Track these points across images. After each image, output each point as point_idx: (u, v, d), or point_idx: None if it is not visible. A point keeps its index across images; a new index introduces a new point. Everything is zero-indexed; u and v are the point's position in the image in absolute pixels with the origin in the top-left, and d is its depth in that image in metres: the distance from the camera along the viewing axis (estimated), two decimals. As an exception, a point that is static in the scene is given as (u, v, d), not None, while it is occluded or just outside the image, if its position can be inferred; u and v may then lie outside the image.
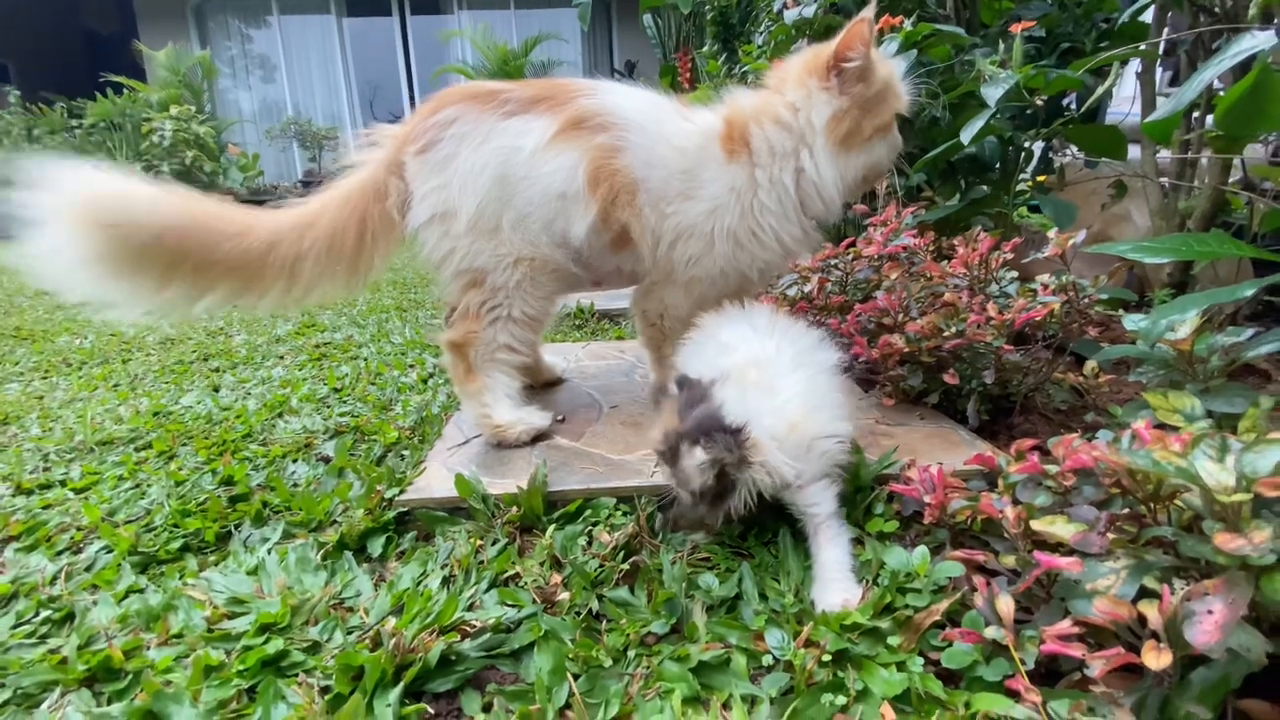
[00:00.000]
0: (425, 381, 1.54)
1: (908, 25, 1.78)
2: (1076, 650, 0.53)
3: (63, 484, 1.08)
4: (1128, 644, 0.53)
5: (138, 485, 1.07)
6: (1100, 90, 1.61)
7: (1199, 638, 0.47)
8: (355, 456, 1.12)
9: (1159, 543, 0.58)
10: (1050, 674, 0.60)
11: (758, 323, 0.94)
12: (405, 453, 1.11)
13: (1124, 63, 1.75)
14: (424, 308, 2.45)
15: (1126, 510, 0.61)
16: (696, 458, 0.75)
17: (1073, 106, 1.99)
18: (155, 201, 0.93)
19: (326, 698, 0.60)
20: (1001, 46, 1.74)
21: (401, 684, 0.60)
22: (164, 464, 1.15)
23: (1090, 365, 1.17)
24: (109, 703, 0.63)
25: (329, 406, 1.41)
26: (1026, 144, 1.66)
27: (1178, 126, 0.74)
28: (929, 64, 1.80)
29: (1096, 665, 0.51)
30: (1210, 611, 0.47)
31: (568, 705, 0.61)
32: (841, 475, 0.85)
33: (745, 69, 3.71)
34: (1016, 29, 1.53)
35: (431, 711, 0.60)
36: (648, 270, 1.11)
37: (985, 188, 1.83)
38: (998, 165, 1.84)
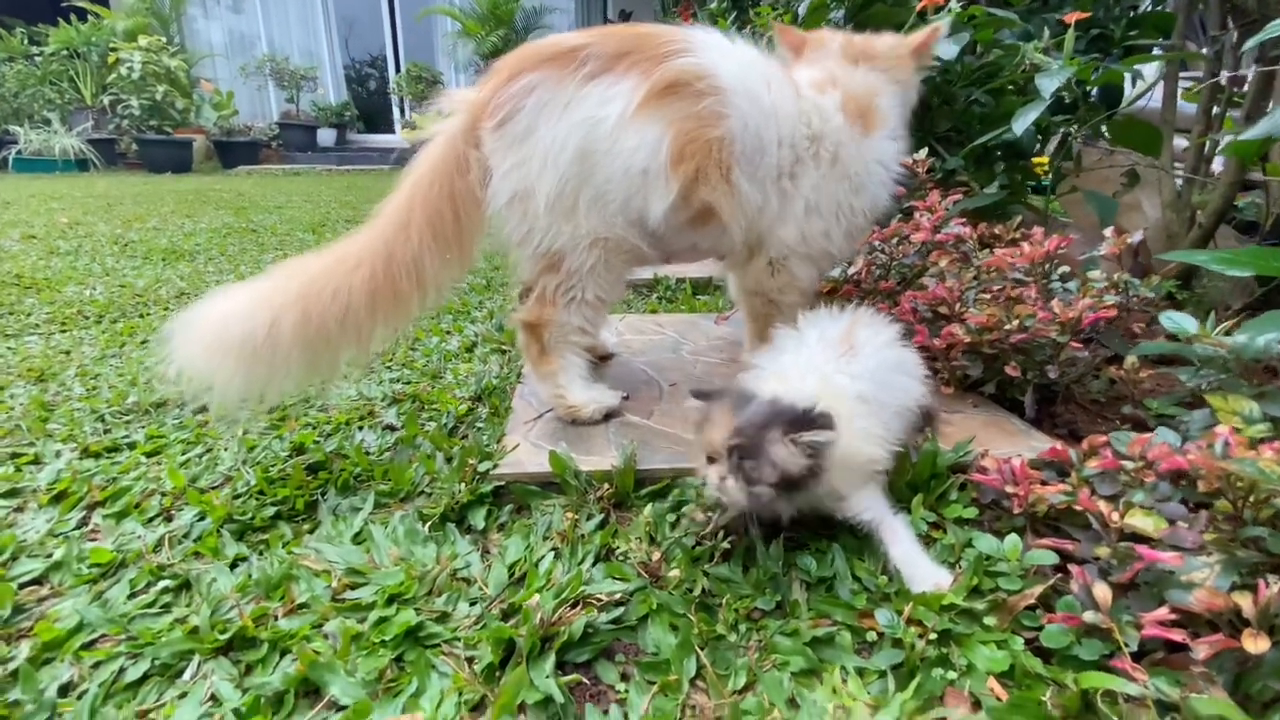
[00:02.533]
0: (470, 350, 1.54)
1: (955, 6, 1.77)
2: (1178, 635, 0.59)
3: (130, 447, 1.07)
4: (1216, 630, 0.60)
5: (209, 450, 1.07)
6: (1143, 88, 1.63)
7: (1305, 630, 0.52)
8: (424, 426, 1.13)
9: (1246, 540, 0.64)
10: (1133, 655, 0.66)
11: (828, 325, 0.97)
12: (479, 425, 1.13)
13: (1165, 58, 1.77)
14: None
15: (1220, 512, 0.66)
16: (788, 445, 0.75)
17: (1095, 95, 2.02)
18: (253, 309, 0.90)
19: (479, 668, 0.63)
20: (1046, 32, 1.75)
21: (551, 655, 0.64)
22: (227, 427, 1.14)
23: (1130, 360, 1.23)
24: (250, 671, 0.66)
25: (375, 372, 1.41)
26: (1070, 134, 1.68)
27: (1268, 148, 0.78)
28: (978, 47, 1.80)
29: (1202, 649, 0.56)
30: (1315, 607, 0.53)
31: (698, 676, 0.66)
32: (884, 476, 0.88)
33: (757, 31, 3.64)
34: (1070, 19, 1.54)
35: (584, 680, 0.63)
36: (734, 246, 1.10)
37: (1019, 174, 1.86)
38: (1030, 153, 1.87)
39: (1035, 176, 1.84)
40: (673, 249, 1.15)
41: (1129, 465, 0.78)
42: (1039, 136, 1.84)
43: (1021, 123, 1.43)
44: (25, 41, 7.16)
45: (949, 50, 1.63)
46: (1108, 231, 1.19)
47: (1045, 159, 1.94)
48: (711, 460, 0.78)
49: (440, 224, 0.99)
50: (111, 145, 7.13)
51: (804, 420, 0.75)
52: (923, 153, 1.72)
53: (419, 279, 0.98)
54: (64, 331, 1.68)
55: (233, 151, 7.65)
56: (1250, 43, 1.00)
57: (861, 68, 1.12)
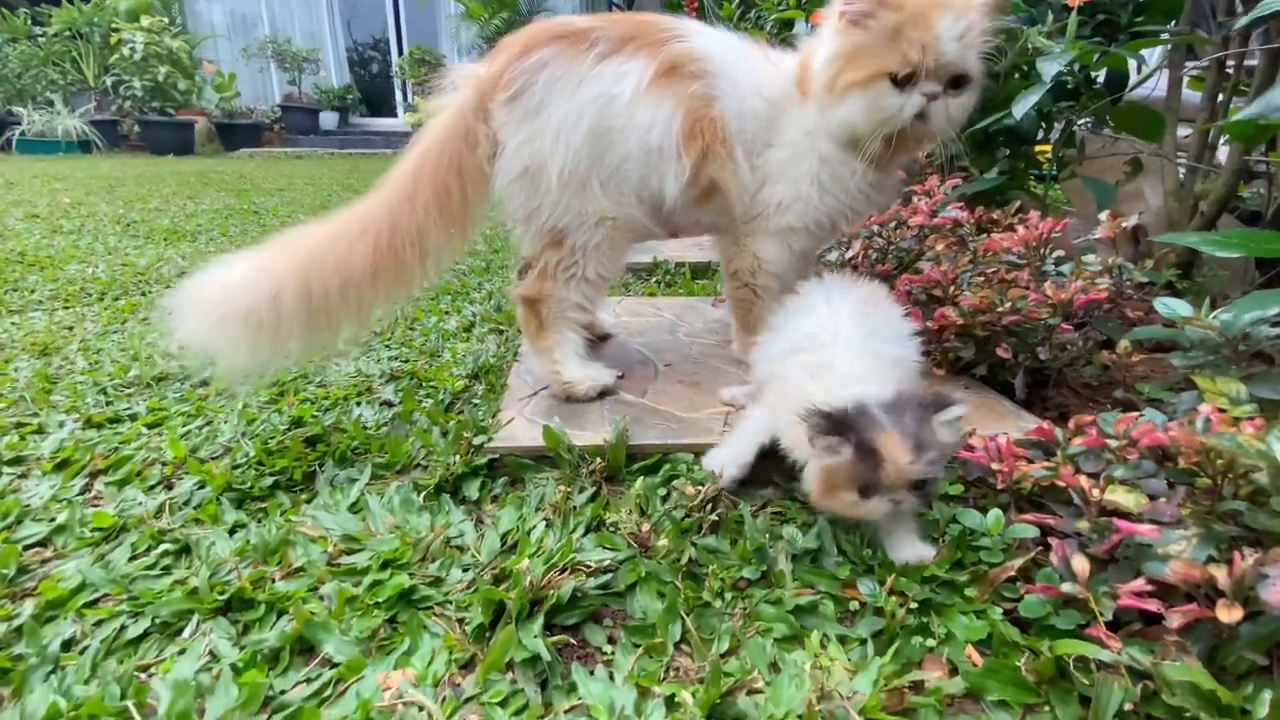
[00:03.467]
0: (468, 330, 1.55)
1: (960, -12, 1.75)
2: (1153, 605, 0.60)
3: (132, 419, 1.09)
4: (1194, 602, 0.61)
5: (209, 423, 1.09)
6: (1146, 74, 1.62)
7: (1272, 597, 0.54)
8: (420, 402, 1.14)
9: (1224, 514, 0.65)
10: (1110, 626, 0.67)
11: (837, 296, 0.94)
12: (475, 401, 1.14)
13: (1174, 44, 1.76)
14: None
15: (1199, 488, 0.67)
16: (948, 429, 0.73)
17: (1099, 79, 2.01)
18: (256, 278, 0.91)
19: (469, 628, 0.65)
20: (1050, 17, 1.73)
21: (540, 617, 0.65)
22: (227, 400, 1.16)
23: (1123, 344, 1.23)
24: (247, 630, 0.68)
25: (374, 350, 1.42)
26: (1073, 119, 1.67)
27: (1254, 128, 0.78)
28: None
29: (1175, 618, 0.58)
30: (1283, 577, 0.54)
31: (683, 640, 0.67)
32: None
33: (761, 14, 3.60)
34: (1074, 2, 1.53)
35: (572, 641, 0.65)
36: (732, 223, 1.11)
37: (1019, 160, 1.85)
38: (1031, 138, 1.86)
39: (1037, 163, 1.83)
40: (678, 225, 1.17)
41: (1113, 444, 0.79)
42: (1042, 123, 1.83)
43: (1021, 107, 1.42)
44: (28, 22, 7.13)
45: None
46: (1103, 215, 1.19)
47: (1049, 146, 1.93)
48: (870, 491, 0.72)
49: (446, 198, 1.00)
50: (114, 126, 7.12)
51: (936, 404, 0.73)
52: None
53: (422, 251, 0.99)
54: (67, 308, 1.69)
55: (235, 134, 7.64)
56: (1241, 21, 1.00)
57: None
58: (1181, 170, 1.85)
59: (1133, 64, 1.67)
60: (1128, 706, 0.56)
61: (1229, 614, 0.56)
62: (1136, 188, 2.22)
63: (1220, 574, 0.59)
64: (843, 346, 0.85)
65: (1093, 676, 0.59)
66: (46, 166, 5.19)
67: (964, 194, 1.67)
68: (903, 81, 0.92)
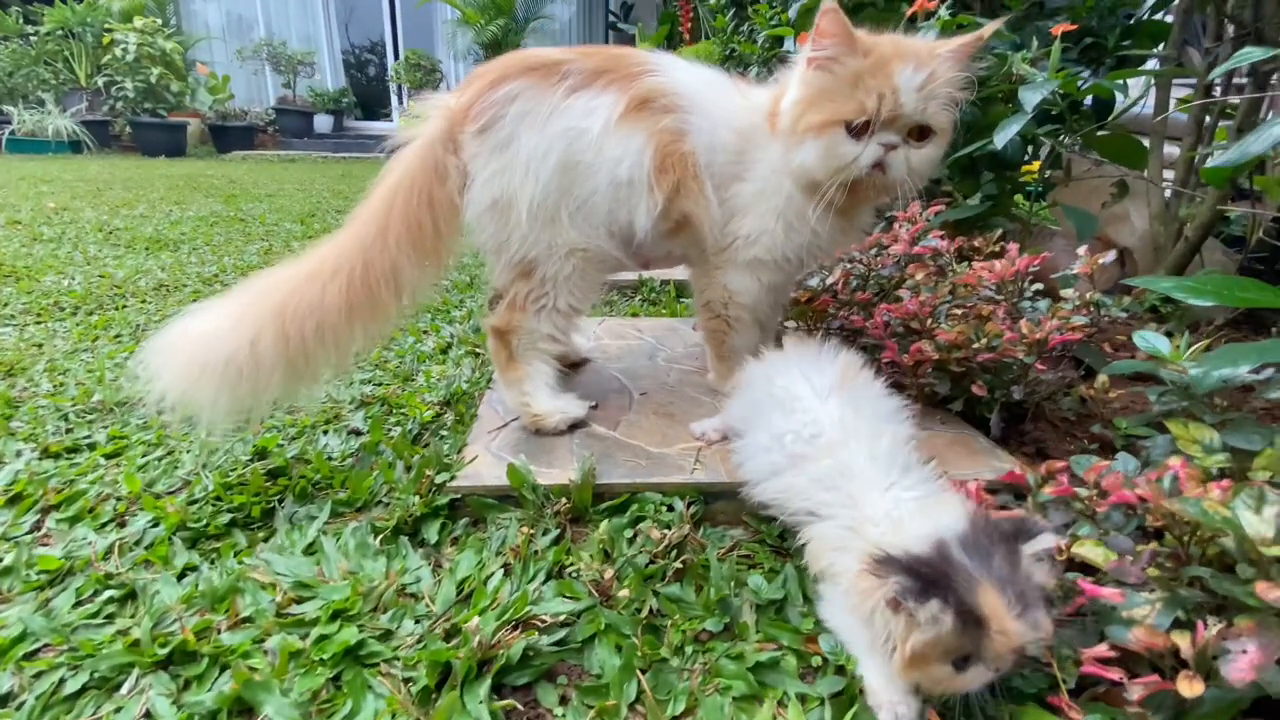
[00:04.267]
0: (445, 352, 1.53)
1: (944, 13, 1.75)
2: (1115, 674, 0.59)
3: (91, 448, 1.07)
4: (1157, 669, 0.59)
5: (170, 453, 1.06)
6: (1129, 104, 1.62)
7: (1234, 674, 0.52)
8: (388, 432, 1.12)
9: (1191, 579, 0.64)
10: (1075, 689, 0.66)
11: (828, 374, 0.85)
12: (444, 433, 1.12)
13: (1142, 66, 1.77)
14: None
15: (1163, 544, 0.66)
16: (1042, 566, 0.60)
17: (1088, 102, 2.01)
18: (232, 327, 0.90)
19: (414, 690, 0.63)
20: (1035, 43, 1.73)
21: (488, 679, 0.63)
22: (190, 428, 1.13)
23: (1101, 380, 1.22)
24: (188, 686, 0.65)
25: (347, 373, 1.40)
26: (1055, 145, 1.67)
27: (1229, 175, 0.77)
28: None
29: (1136, 690, 0.56)
30: (1245, 651, 0.53)
31: (638, 700, 0.66)
32: None
33: (754, 29, 3.61)
34: (1057, 31, 1.53)
35: (518, 706, 0.63)
36: (703, 255, 1.09)
37: (1003, 185, 1.85)
38: (1016, 164, 1.86)
39: (1022, 187, 1.83)
40: (650, 257, 1.16)
41: (1082, 493, 0.78)
42: (1027, 147, 1.83)
43: (1003, 136, 1.41)
44: (20, 21, 7.08)
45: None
46: (1081, 250, 1.18)
47: (1035, 165, 1.93)
48: (969, 662, 0.57)
49: (419, 232, 0.99)
50: (105, 127, 7.08)
51: (1022, 532, 0.60)
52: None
53: (397, 287, 0.98)
54: (39, 324, 1.66)
55: (228, 136, 7.60)
56: (1217, 71, 0.99)
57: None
58: (1167, 193, 1.85)
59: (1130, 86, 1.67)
60: (1085, 783, 0.54)
61: (1190, 688, 0.55)
62: (1123, 210, 2.22)
63: (1184, 643, 0.58)
64: (850, 442, 0.76)
65: (1052, 749, 0.57)
66: (35, 167, 5.14)
67: (946, 220, 1.66)
68: (858, 130, 0.90)
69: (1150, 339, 1.04)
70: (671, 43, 6.77)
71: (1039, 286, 1.25)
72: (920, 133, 0.92)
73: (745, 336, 1.17)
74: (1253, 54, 0.81)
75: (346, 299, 0.93)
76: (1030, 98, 1.40)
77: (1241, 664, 0.53)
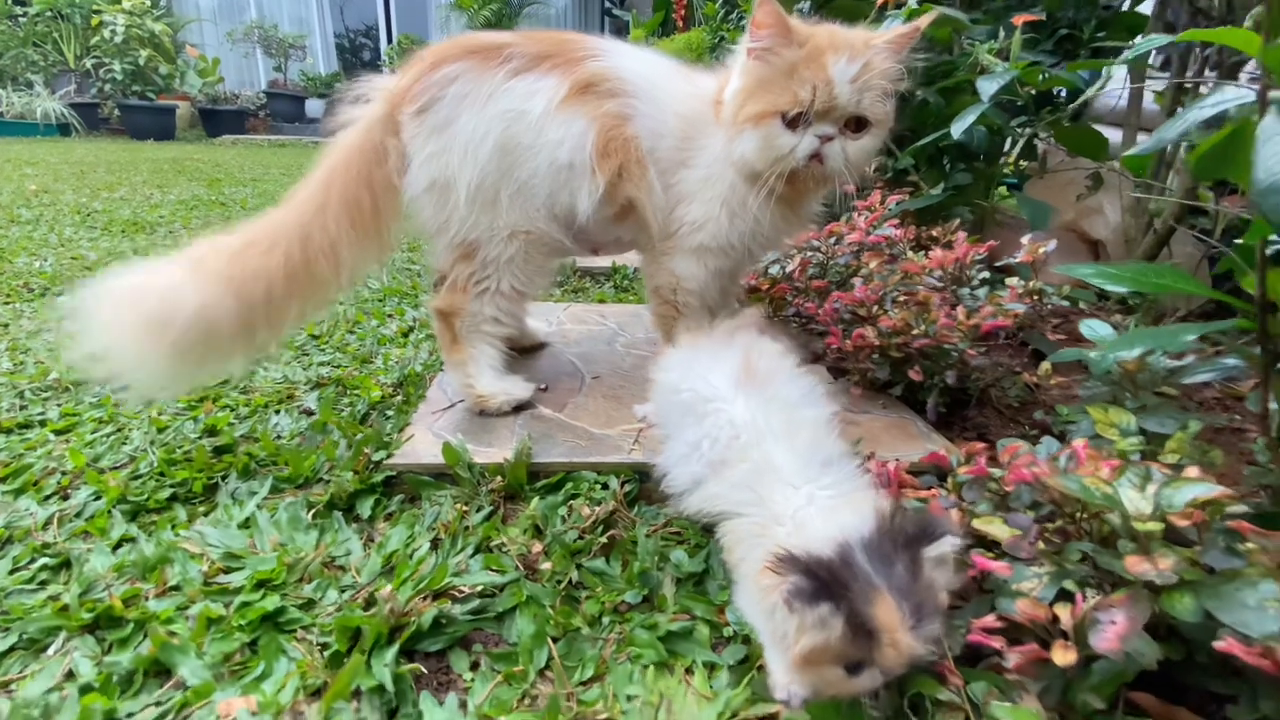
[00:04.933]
0: (406, 335, 1.55)
1: (913, 3, 1.75)
2: (997, 642, 0.61)
3: (42, 424, 1.08)
4: (1042, 640, 0.62)
5: (119, 429, 1.08)
6: (1089, 93, 1.63)
7: (1101, 643, 0.54)
8: (339, 412, 1.14)
9: (1085, 555, 0.66)
10: (974, 657, 0.68)
11: (729, 368, 0.82)
12: (389, 413, 1.14)
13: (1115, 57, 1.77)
14: (401, 251, 2.41)
15: (1058, 522, 0.68)
16: (941, 568, 0.60)
17: (1063, 94, 2.01)
18: (174, 289, 0.89)
19: (326, 654, 0.65)
20: (1002, 33, 1.74)
21: (397, 644, 0.65)
22: (144, 407, 1.15)
23: (1044, 366, 1.24)
24: (112, 650, 0.67)
25: (308, 355, 1.42)
26: (1024, 134, 1.68)
27: (1149, 161, 0.78)
28: (931, 45, 1.79)
29: (1013, 657, 0.59)
30: (1114, 621, 0.55)
31: (547, 667, 0.68)
32: None
33: (743, 16, 3.59)
34: (1018, 21, 1.53)
35: (424, 670, 0.65)
36: (651, 241, 1.10)
37: (969, 176, 1.86)
38: (984, 154, 1.87)
39: (987, 177, 1.83)
40: (597, 242, 1.17)
41: (997, 473, 0.80)
42: (994, 138, 1.83)
43: (959, 125, 1.42)
44: (9, 2, 7.01)
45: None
46: (1025, 239, 1.20)
47: (1012, 157, 1.94)
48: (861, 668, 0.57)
49: (357, 211, 1.00)
50: (94, 110, 7.03)
51: (924, 535, 0.59)
52: (871, 151, 1.71)
53: (335, 262, 0.99)
54: (6, 304, 1.67)
55: (218, 120, 7.55)
56: (1120, 60, 1.01)
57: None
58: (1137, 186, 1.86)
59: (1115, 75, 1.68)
60: (957, 745, 0.57)
61: (1064, 656, 0.57)
62: (1097, 203, 2.23)
63: (1064, 615, 0.60)
64: (765, 440, 0.74)
65: (930, 712, 0.59)
66: (22, 150, 5.11)
67: (907, 209, 1.67)
68: (794, 121, 0.91)
69: (1096, 328, 1.06)
70: (665, 29, 6.73)
71: (985, 275, 1.27)
72: (857, 124, 0.93)
73: (695, 322, 1.18)
74: (1156, 40, 0.82)
75: (285, 272, 0.94)
76: (987, 87, 1.41)
77: (1109, 634, 0.55)
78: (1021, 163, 1.96)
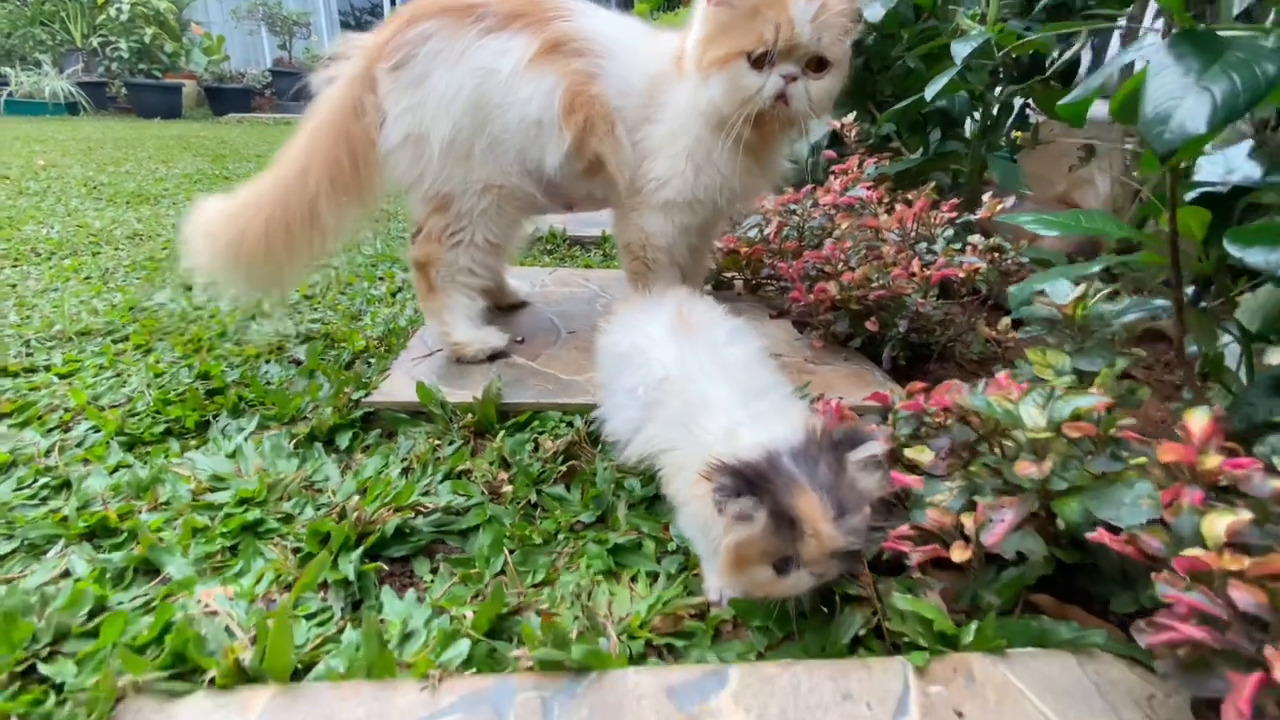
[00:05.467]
0: (394, 295, 1.61)
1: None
2: (905, 547, 0.66)
3: (46, 369, 1.15)
4: (948, 545, 0.67)
5: (119, 374, 1.15)
6: (1066, 56, 1.64)
7: (988, 538, 0.60)
8: (325, 361, 1.20)
9: (992, 470, 0.71)
10: (896, 569, 0.74)
11: (663, 320, 0.87)
12: (371, 360, 1.20)
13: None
14: (395, 219, 2.46)
15: (972, 442, 0.73)
16: (867, 473, 0.63)
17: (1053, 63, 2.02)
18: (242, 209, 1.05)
19: (298, 555, 0.71)
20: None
21: (362, 548, 0.72)
22: (142, 356, 1.22)
23: (1004, 322, 1.28)
24: (105, 552, 0.74)
25: (300, 313, 1.48)
26: (998, 101, 1.70)
27: (1086, 109, 0.81)
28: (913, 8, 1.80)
29: (915, 556, 0.64)
30: (1002, 520, 0.60)
31: (502, 572, 0.74)
32: None
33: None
34: (996, -16, 1.54)
35: (387, 569, 0.72)
36: (620, 198, 1.14)
37: (954, 144, 1.88)
38: (967, 120, 1.88)
39: (968, 142, 1.85)
40: (570, 198, 1.21)
41: (931, 409, 0.85)
42: (975, 104, 1.85)
43: (933, 88, 1.45)
44: (14, -21, 7.05)
45: (874, 12, 1.65)
46: (986, 197, 1.23)
47: (1019, 135, 1.95)
48: (788, 566, 0.59)
49: (337, 169, 1.05)
50: (102, 89, 7.08)
51: (849, 441, 0.62)
52: (850, 116, 1.74)
53: (313, 223, 1.04)
54: (14, 266, 1.74)
55: (224, 98, 7.59)
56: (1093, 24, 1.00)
57: None
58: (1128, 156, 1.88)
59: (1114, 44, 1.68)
60: (861, 632, 0.63)
61: (961, 554, 0.63)
62: (1089, 173, 2.25)
63: (968, 520, 0.65)
64: (694, 375, 0.77)
65: (844, 607, 0.65)
66: (31, 128, 5.19)
67: (885, 173, 1.70)
68: (759, 62, 0.95)
69: (1055, 283, 1.10)
70: (670, 2, 6.68)
71: (950, 233, 1.30)
72: (818, 64, 0.97)
73: (665, 279, 1.23)
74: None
75: (266, 231, 1.00)
76: (960, 50, 1.43)
77: (997, 529, 0.60)
78: (1014, 134, 1.97)
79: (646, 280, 1.23)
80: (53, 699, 0.54)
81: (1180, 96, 0.53)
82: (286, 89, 8.22)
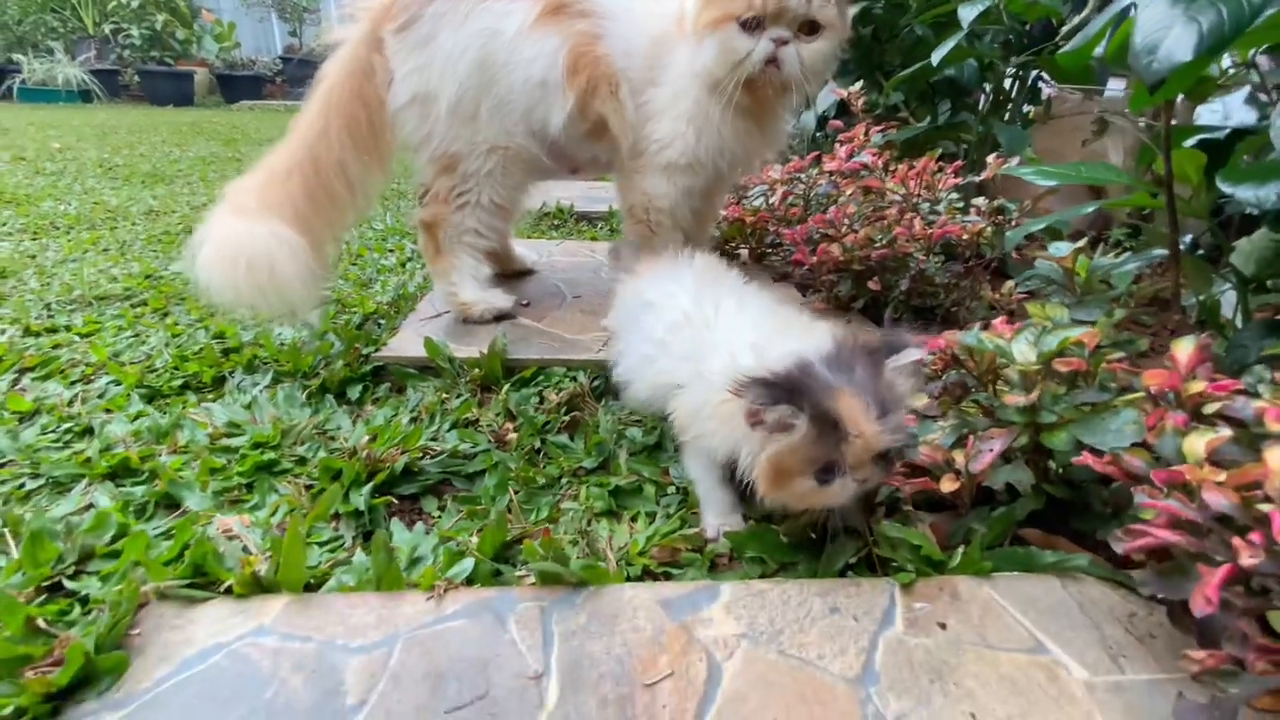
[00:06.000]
0: (404, 265, 1.63)
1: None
2: (898, 481, 0.68)
3: (68, 329, 1.19)
4: (939, 480, 0.69)
5: (137, 335, 1.18)
6: (1077, 20, 1.63)
7: (976, 466, 0.61)
8: (337, 324, 1.23)
9: (984, 409, 0.73)
10: (893, 511, 0.75)
11: (684, 271, 0.90)
12: (381, 322, 1.23)
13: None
14: (406, 197, 2.48)
15: (966, 384, 0.75)
16: (903, 377, 0.62)
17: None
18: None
19: (311, 491, 0.74)
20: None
21: (373, 483, 0.75)
22: (159, 319, 1.25)
23: (1008, 285, 1.29)
24: (128, 488, 0.78)
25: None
26: (1010, 70, 1.69)
27: (1088, 59, 0.81)
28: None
29: (906, 488, 0.66)
30: (990, 449, 0.62)
31: (508, 510, 0.76)
32: None
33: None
34: (1005, -53, 1.53)
35: (397, 504, 0.75)
36: (623, 160, 1.15)
37: (965, 114, 1.87)
38: (976, 88, 1.87)
39: (974, 110, 1.84)
40: (575, 161, 1.22)
41: (928, 358, 0.86)
42: (996, 76, 1.83)
43: (938, 53, 1.44)
44: (26, -33, 7.10)
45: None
46: (991, 159, 1.23)
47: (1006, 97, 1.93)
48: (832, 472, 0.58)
49: (355, 126, 1.07)
50: (115, 76, 7.14)
51: (887, 349, 0.62)
52: (857, 85, 1.74)
53: (347, 181, 1.07)
54: (34, 239, 1.78)
55: (236, 85, 7.63)
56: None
57: None
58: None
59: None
60: (853, 560, 0.64)
61: (950, 484, 0.64)
62: (1103, 146, 2.22)
63: (959, 456, 0.67)
64: (706, 309, 0.77)
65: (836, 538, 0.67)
66: (45, 115, 5.25)
67: (891, 140, 1.70)
68: (751, 25, 0.96)
69: (1060, 248, 1.11)
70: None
71: (955, 196, 1.30)
72: (810, 27, 0.97)
73: (668, 242, 1.24)
74: None
75: (306, 191, 1.03)
76: (966, 14, 1.42)
77: (985, 458, 0.62)
78: (1026, 106, 1.94)
79: (650, 244, 1.24)
80: (78, 610, 0.58)
81: (1168, 26, 0.54)
82: (298, 76, 8.25)
